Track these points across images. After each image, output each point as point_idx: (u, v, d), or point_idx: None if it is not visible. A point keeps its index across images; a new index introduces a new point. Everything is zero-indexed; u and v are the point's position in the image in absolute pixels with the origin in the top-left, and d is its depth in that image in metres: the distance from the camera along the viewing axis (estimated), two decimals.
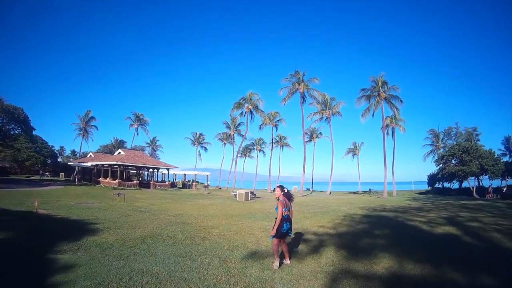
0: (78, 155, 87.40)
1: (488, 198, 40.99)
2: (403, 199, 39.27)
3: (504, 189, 44.44)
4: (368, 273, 7.00)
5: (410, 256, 8.40)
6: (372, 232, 12.30)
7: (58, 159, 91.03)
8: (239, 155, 72.58)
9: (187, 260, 7.71)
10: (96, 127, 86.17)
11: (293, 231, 9.86)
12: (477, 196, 44.50)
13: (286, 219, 7.31)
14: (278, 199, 7.46)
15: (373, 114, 49.22)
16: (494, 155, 48.45)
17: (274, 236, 7.25)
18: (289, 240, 8.40)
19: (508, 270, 7.41)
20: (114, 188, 37.75)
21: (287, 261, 7.64)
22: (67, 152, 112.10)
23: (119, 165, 47.86)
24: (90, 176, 55.09)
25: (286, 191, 7.67)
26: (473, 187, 49.49)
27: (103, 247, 8.79)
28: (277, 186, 7.83)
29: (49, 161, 77.13)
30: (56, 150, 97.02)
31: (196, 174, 67.64)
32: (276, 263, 7.36)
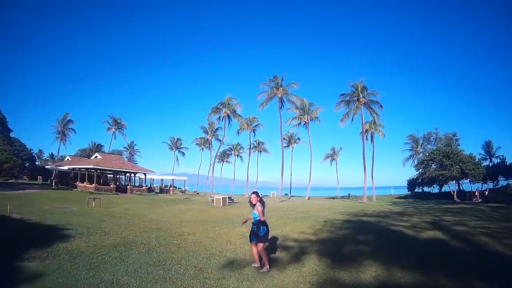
0: (56, 158, 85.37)
1: (473, 201, 41.41)
2: (383, 203, 39.28)
3: (486, 193, 45.00)
4: (355, 283, 6.59)
5: (397, 263, 8.05)
6: (355, 238, 11.93)
7: (37, 163, 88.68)
8: (216, 160, 72.25)
9: (161, 269, 7.18)
10: (74, 130, 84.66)
11: (271, 237, 10.56)
12: (458, 200, 44.89)
13: (265, 223, 7.63)
14: (255, 205, 7.65)
15: (352, 119, 49.46)
16: (475, 160, 49.06)
17: (262, 241, 7.45)
18: (266, 245, 8.05)
19: (501, 274, 7.16)
20: (91, 193, 36.74)
21: (266, 266, 7.47)
22: (46, 156, 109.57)
23: (95, 169, 46.74)
24: (68, 180, 53.84)
25: (261, 196, 7.96)
26: (453, 191, 49.99)
27: (73, 254, 8.23)
28: (253, 193, 8.02)
29: (27, 164, 75.09)
30: (35, 153, 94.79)
31: (173, 179, 66.57)
32: (267, 267, 7.41)
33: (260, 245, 7.46)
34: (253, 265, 7.76)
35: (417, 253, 9.27)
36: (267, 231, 7.68)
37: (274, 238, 11.62)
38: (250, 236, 7.73)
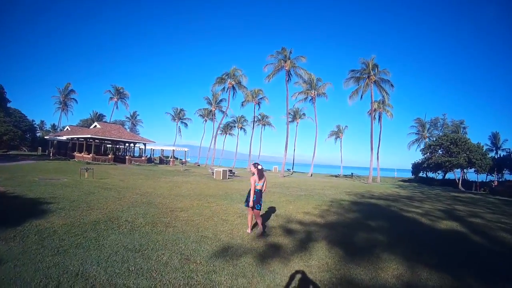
0: (58, 129, 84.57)
1: (480, 192, 40.46)
2: (388, 186, 38.22)
3: (494, 185, 44.04)
4: (376, 284, 5.37)
5: (420, 259, 6.90)
6: (366, 224, 10.75)
7: (38, 134, 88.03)
8: (219, 132, 71.00)
9: (139, 257, 5.95)
10: (75, 100, 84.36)
11: (274, 217, 10.95)
12: (462, 189, 43.91)
13: (257, 192, 8.32)
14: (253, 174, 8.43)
15: (361, 97, 47.76)
16: (482, 149, 48.05)
17: (247, 205, 8.41)
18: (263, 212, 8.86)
19: None
20: (88, 163, 35.54)
21: (259, 228, 8.41)
22: (48, 127, 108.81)
23: (93, 139, 45.61)
24: (66, 150, 52.76)
25: (259, 168, 8.55)
26: (458, 179, 49.01)
27: (44, 234, 7.03)
28: (252, 164, 8.74)
29: (28, 135, 74.38)
30: (37, 124, 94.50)
31: (174, 150, 65.18)
32: (248, 230, 8.51)
33: (256, 211, 8.33)
34: (246, 231, 8.49)
35: (438, 248, 8.11)
36: (256, 199, 8.28)
37: (277, 219, 10.58)
38: (248, 201, 8.35)
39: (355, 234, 9.06)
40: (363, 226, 10.33)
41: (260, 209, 8.41)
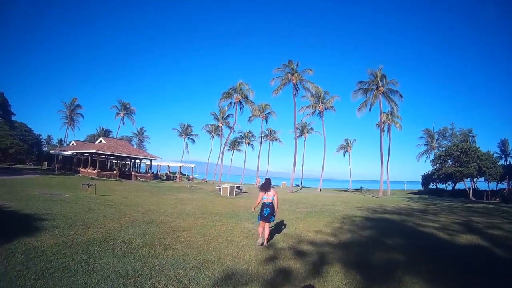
0: (65, 144, 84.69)
1: (491, 201, 39.37)
2: (399, 199, 37.37)
3: (506, 193, 42.98)
4: None
5: (446, 281, 6.19)
6: (383, 242, 9.99)
7: (44, 148, 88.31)
8: (227, 148, 70.38)
9: (131, 284, 5.26)
10: (81, 115, 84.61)
11: (283, 237, 10.26)
12: (473, 199, 42.85)
13: (267, 205, 8.89)
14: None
15: (370, 109, 47.03)
16: (492, 157, 47.20)
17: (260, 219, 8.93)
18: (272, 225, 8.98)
19: None
20: (92, 179, 35.24)
21: (264, 243, 8.76)
22: (55, 141, 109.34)
23: (99, 154, 45.44)
24: (71, 165, 52.51)
25: (262, 182, 9.52)
26: (469, 189, 47.95)
27: (31, 254, 6.45)
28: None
29: (34, 149, 74.46)
30: (44, 139, 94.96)
31: (180, 166, 64.55)
32: (259, 240, 8.71)
33: (260, 223, 8.91)
34: (257, 242, 8.78)
35: (463, 266, 7.43)
36: (269, 213, 8.86)
37: (286, 239, 9.85)
38: (267, 216, 8.79)
39: (372, 254, 8.30)
40: (379, 245, 9.58)
41: (272, 221, 9.17)
